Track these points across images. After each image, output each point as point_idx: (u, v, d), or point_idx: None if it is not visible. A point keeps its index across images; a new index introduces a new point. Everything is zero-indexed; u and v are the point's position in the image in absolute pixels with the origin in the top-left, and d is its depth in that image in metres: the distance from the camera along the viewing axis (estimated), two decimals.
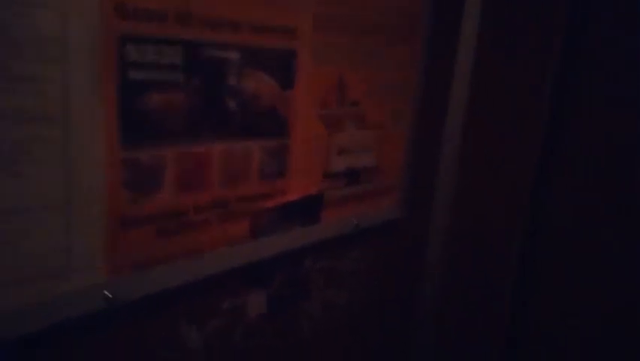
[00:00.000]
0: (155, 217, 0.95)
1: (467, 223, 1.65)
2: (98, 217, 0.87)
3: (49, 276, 0.84)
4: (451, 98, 1.54)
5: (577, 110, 1.47)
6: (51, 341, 0.88)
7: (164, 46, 0.89)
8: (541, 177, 1.54)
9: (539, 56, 1.47)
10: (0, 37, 0.71)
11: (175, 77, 0.92)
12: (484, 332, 1.70)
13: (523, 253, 1.60)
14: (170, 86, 0.91)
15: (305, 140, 1.17)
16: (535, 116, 1.50)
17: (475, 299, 1.70)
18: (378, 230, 1.48)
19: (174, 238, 0.98)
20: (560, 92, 1.48)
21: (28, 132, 0.76)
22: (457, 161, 1.59)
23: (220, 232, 1.05)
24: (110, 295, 0.92)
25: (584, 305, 1.51)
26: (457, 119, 1.55)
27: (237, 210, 1.07)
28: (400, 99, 1.40)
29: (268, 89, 1.06)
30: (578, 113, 1.47)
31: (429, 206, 1.63)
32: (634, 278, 1.43)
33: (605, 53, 1.42)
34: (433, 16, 1.43)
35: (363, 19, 1.23)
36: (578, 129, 1.48)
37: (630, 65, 1.38)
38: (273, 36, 1.05)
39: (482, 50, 1.51)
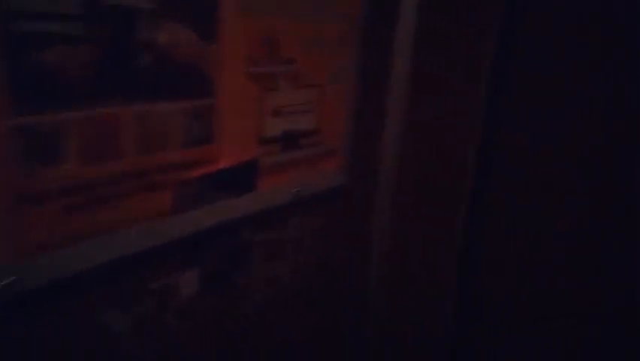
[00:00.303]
0: (60, 192, 0.83)
1: (414, 188, 1.58)
2: None
3: None
4: (396, 55, 1.45)
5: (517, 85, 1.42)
6: None
7: None
8: (485, 139, 1.48)
9: (485, 13, 1.40)
10: None
11: (74, 29, 0.79)
12: (433, 297, 1.65)
13: (469, 217, 1.55)
14: (68, 40, 0.79)
15: (234, 101, 1.06)
16: (479, 78, 1.43)
17: (423, 266, 1.65)
18: (322, 197, 1.39)
19: (85, 215, 0.87)
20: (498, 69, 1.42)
21: None
22: (404, 123, 1.51)
23: (139, 206, 0.94)
24: (11, 281, 0.80)
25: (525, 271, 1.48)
26: (403, 78, 1.46)
27: (158, 181, 0.96)
28: (340, 56, 1.30)
29: (187, 43, 0.94)
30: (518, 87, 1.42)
31: (375, 170, 1.54)
32: (570, 270, 1.40)
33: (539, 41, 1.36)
34: None
35: None
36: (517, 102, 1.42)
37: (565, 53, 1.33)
38: None
39: (427, 5, 1.42)
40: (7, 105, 0.74)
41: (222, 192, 1.09)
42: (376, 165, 1.54)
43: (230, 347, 1.26)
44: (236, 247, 1.20)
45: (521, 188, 1.46)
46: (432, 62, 1.47)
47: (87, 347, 0.96)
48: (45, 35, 0.77)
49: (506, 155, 1.47)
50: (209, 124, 1.02)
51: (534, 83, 1.39)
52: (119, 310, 1.00)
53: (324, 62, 1.26)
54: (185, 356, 1.15)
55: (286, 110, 1.19)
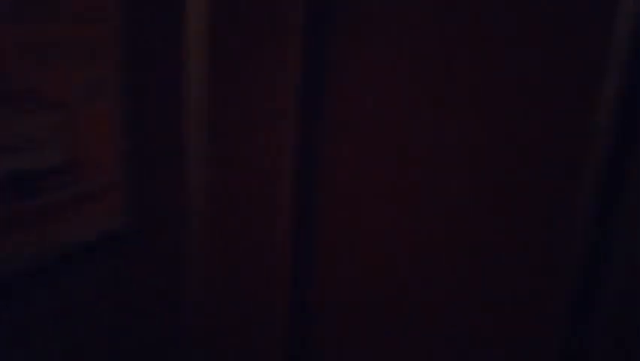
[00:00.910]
0: None
1: (228, 220, 1.31)
2: None
3: None
4: (187, 58, 1.14)
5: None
6: None
7: None
8: (303, 154, 1.25)
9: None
10: None
11: None
12: (264, 340, 1.41)
13: (296, 252, 1.32)
14: None
15: None
16: (291, 80, 1.19)
17: (246, 312, 1.39)
18: (90, 251, 1.06)
19: None
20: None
21: None
22: (206, 143, 1.22)
23: None
24: None
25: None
26: (201, 89, 1.17)
27: None
28: (95, 64, 0.98)
29: None
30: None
31: (168, 205, 1.24)
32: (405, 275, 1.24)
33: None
34: None
35: None
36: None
37: None
38: None
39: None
40: None
41: None
42: (171, 198, 1.24)
43: None
44: None
45: (352, 209, 1.25)
46: (233, 60, 1.20)
47: None
48: None
49: (331, 171, 1.25)
50: None
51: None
52: None
53: (67, 73, 0.93)
54: None
55: (9, 143, 0.85)
